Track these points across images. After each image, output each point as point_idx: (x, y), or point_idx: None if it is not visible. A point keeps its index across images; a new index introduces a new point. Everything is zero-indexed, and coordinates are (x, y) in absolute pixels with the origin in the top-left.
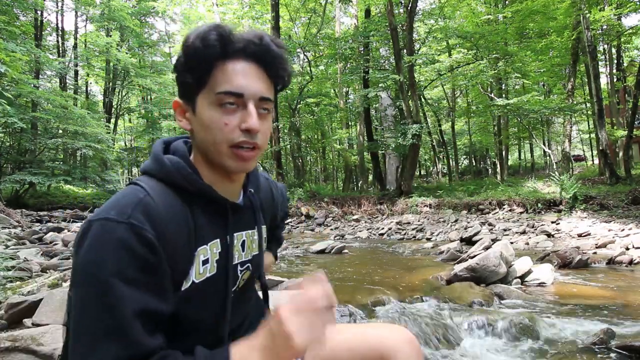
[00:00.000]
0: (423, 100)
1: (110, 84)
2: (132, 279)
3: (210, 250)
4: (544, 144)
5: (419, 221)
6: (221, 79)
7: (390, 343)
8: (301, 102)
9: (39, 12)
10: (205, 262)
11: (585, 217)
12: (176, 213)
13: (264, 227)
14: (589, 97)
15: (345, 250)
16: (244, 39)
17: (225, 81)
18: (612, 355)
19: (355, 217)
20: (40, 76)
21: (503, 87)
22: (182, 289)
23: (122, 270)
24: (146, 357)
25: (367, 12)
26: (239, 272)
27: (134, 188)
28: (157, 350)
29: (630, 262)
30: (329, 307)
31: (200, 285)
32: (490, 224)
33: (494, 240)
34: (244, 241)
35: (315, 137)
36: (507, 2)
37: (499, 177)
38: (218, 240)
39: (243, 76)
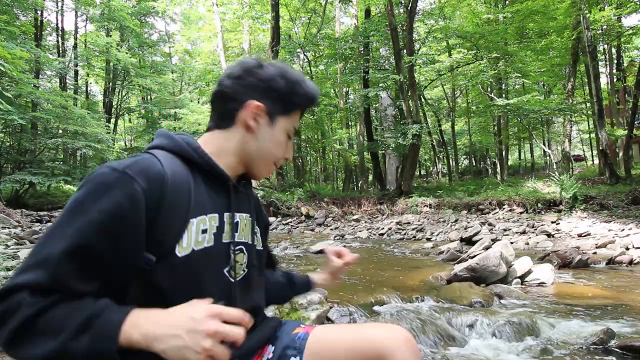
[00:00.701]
0: (423, 100)
1: (110, 84)
2: (98, 221)
3: (209, 222)
4: (544, 144)
5: (419, 221)
6: (295, 118)
7: (387, 342)
8: None
9: (39, 12)
10: (204, 231)
11: (585, 217)
12: (180, 178)
13: (257, 227)
14: (589, 97)
15: None
16: (317, 101)
17: (297, 122)
18: (612, 355)
19: (355, 217)
20: (40, 76)
21: (503, 87)
22: (179, 254)
23: (94, 209)
24: (58, 291)
25: (367, 12)
26: (231, 250)
27: (145, 154)
28: (87, 294)
29: (630, 262)
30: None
31: (200, 253)
32: (490, 224)
33: (494, 240)
34: (237, 222)
35: (315, 137)
36: (507, 2)
37: (499, 177)
38: (217, 214)
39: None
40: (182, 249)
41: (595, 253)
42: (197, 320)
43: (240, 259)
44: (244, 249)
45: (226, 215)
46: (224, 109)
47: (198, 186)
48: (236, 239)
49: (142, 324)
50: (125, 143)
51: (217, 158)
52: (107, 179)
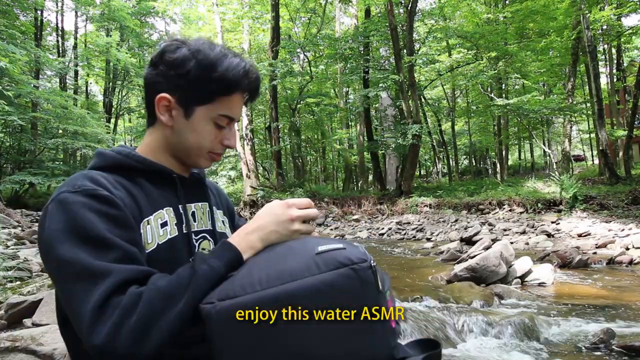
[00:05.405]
0: (423, 100)
1: (110, 84)
2: (106, 229)
3: (167, 215)
4: (544, 144)
5: (419, 221)
6: (225, 105)
7: None
8: (301, 102)
9: (39, 12)
10: (164, 224)
11: (585, 217)
12: (120, 184)
13: (220, 212)
14: (589, 97)
15: None
16: (251, 78)
17: (228, 108)
18: (612, 355)
19: (355, 217)
20: (40, 76)
21: (503, 87)
22: (147, 250)
23: (94, 223)
24: (146, 277)
25: (367, 12)
26: (194, 240)
27: (73, 175)
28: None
29: (630, 262)
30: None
31: (165, 246)
32: (490, 224)
33: (494, 240)
34: (194, 212)
35: (315, 137)
36: (507, 2)
37: (499, 177)
38: (171, 208)
39: (238, 106)
40: (149, 245)
41: (595, 253)
42: (279, 214)
43: (205, 245)
44: (207, 236)
45: (180, 207)
46: (146, 103)
47: (144, 187)
48: (195, 228)
49: (241, 240)
50: (125, 143)
51: (153, 157)
52: (78, 200)
